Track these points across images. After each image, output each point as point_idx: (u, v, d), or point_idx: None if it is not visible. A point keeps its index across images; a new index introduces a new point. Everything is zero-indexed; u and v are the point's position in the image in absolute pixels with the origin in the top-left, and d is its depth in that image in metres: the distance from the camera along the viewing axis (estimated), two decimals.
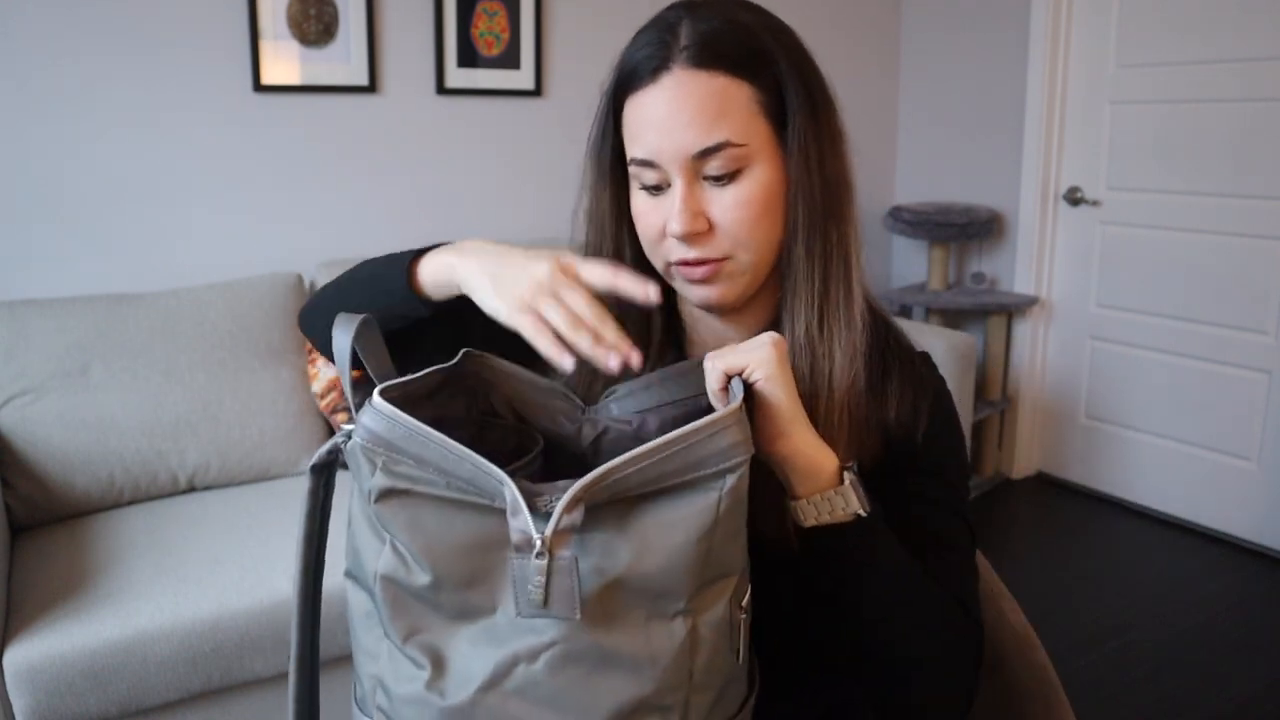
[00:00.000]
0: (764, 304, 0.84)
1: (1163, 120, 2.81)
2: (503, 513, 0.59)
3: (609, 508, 0.59)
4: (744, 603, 0.65)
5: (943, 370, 0.90)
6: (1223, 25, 2.64)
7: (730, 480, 0.60)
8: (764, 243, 0.78)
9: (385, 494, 0.61)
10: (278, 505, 1.95)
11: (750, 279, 0.79)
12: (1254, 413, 2.71)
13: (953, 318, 3.27)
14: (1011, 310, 3.14)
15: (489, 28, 2.61)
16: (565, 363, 0.66)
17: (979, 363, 3.12)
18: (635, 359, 0.66)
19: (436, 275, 0.77)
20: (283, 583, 1.64)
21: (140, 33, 2.20)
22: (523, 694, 0.58)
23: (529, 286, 0.68)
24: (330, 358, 0.86)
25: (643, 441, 0.74)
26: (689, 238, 0.76)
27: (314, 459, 0.67)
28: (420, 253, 0.79)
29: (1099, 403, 3.10)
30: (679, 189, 0.75)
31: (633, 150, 0.78)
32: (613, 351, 0.66)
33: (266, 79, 2.33)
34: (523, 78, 2.69)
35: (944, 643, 0.75)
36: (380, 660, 0.63)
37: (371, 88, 2.48)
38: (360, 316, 0.67)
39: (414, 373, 0.68)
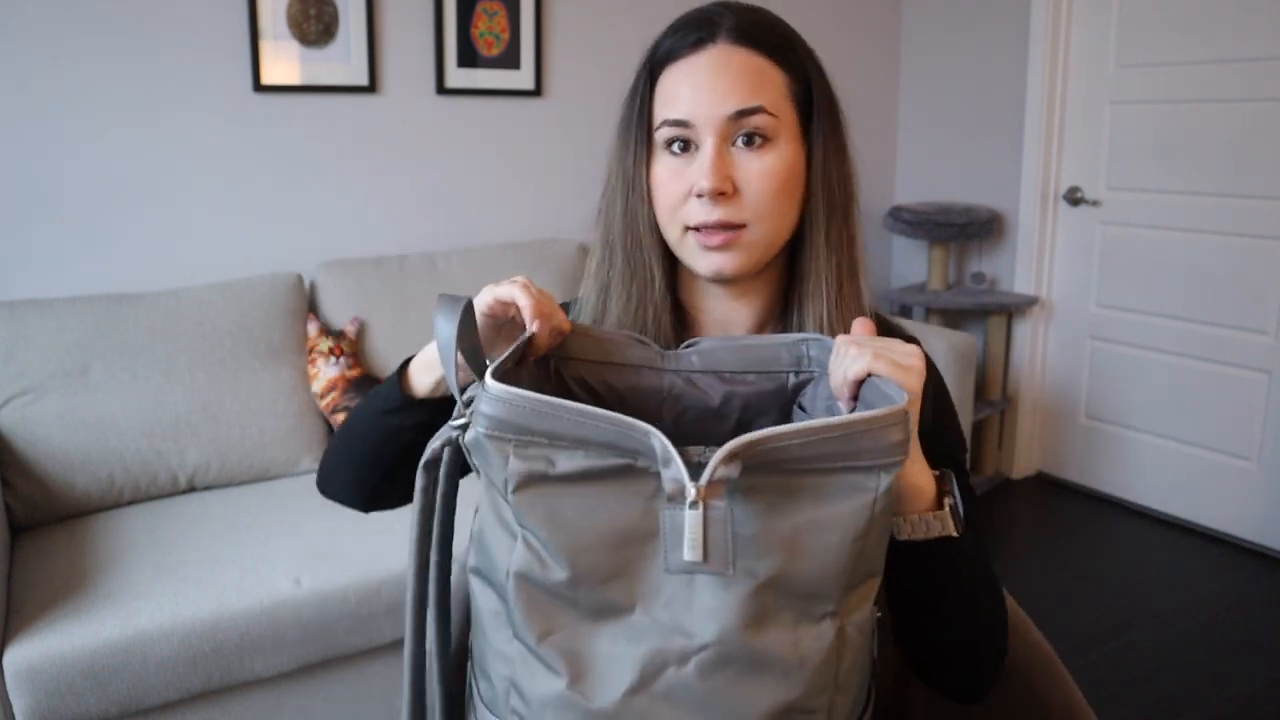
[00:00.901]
0: (768, 286, 0.87)
1: (1163, 120, 2.81)
2: (648, 487, 0.57)
3: (760, 498, 0.57)
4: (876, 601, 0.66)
5: (943, 370, 0.93)
6: (1223, 25, 2.64)
7: (885, 480, 0.58)
8: (780, 219, 0.81)
9: (524, 481, 0.59)
10: (278, 505, 1.95)
11: (762, 253, 0.81)
12: (1254, 413, 2.71)
13: (953, 318, 3.27)
14: (1011, 310, 3.14)
15: (489, 28, 2.61)
16: (532, 325, 0.71)
17: (979, 363, 3.12)
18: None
19: (423, 357, 0.80)
20: (283, 583, 1.65)
21: (140, 33, 2.19)
22: (670, 697, 0.58)
23: (499, 288, 0.74)
24: (353, 505, 0.87)
25: (725, 420, 0.75)
26: (714, 195, 0.78)
27: (426, 455, 0.64)
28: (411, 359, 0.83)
29: (1099, 403, 3.10)
30: (709, 149, 0.78)
31: (666, 112, 0.80)
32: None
33: (266, 79, 2.33)
34: (523, 78, 2.69)
35: (997, 619, 0.80)
36: (514, 662, 0.62)
37: (371, 88, 2.48)
38: (464, 299, 0.66)
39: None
